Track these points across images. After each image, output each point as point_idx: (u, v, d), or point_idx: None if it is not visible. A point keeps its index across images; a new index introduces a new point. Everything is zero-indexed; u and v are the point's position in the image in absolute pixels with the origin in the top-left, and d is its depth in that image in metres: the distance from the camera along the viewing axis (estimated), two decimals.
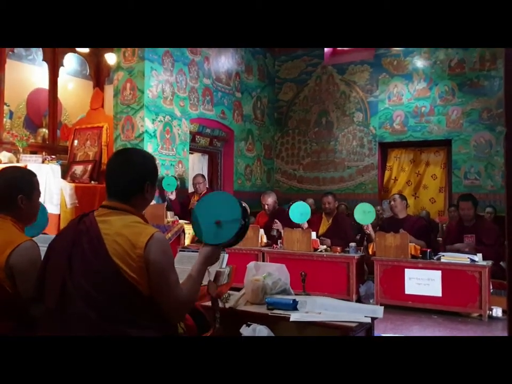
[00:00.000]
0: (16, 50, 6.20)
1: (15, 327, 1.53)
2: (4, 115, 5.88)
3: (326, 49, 7.98)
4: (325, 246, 4.77)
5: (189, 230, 5.00)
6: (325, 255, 4.63)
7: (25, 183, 1.70)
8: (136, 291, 1.35)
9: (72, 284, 1.36)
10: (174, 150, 5.94)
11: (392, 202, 4.85)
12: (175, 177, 5.69)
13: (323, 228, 5.16)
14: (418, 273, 4.21)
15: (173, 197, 5.59)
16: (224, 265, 2.10)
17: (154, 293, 1.38)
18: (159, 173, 3.93)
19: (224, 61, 6.93)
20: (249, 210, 1.63)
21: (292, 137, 8.22)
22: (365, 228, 4.71)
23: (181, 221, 5.13)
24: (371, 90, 7.56)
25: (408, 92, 7.27)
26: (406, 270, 4.27)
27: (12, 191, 1.65)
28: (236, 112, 7.21)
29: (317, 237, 4.85)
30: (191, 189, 6.15)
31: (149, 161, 1.57)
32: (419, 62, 7.22)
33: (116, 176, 1.50)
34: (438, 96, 7.07)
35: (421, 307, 4.19)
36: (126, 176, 1.49)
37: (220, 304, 1.97)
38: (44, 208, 2.39)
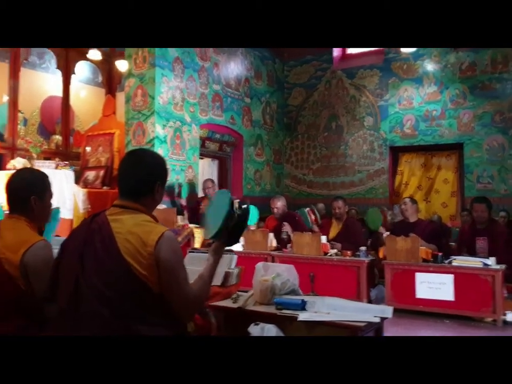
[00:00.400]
0: (30, 59, 6.36)
1: (24, 326, 1.55)
2: (19, 122, 6.02)
3: (335, 54, 7.99)
4: (335, 250, 4.75)
5: (199, 234, 5.02)
6: (335, 259, 4.61)
7: (37, 184, 1.74)
8: (147, 288, 1.37)
9: (85, 282, 1.38)
10: (184, 155, 6.00)
11: (403, 206, 4.81)
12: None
13: (333, 232, 5.13)
14: (429, 277, 4.16)
15: (184, 202, 5.71)
16: (233, 266, 2.12)
17: (164, 291, 1.40)
18: (169, 178, 3.93)
19: (233, 67, 6.99)
20: (246, 206, 1.62)
21: (301, 142, 8.23)
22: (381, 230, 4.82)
23: (191, 225, 5.16)
24: (381, 94, 7.54)
25: (418, 96, 7.24)
26: (416, 274, 4.22)
27: (24, 192, 1.69)
28: (245, 118, 7.25)
29: (327, 242, 4.84)
30: (201, 194, 6.20)
31: (159, 162, 1.60)
32: (429, 65, 7.19)
33: (128, 175, 1.53)
34: (449, 100, 7.02)
35: (432, 311, 4.13)
36: (137, 176, 1.51)
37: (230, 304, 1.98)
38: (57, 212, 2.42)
